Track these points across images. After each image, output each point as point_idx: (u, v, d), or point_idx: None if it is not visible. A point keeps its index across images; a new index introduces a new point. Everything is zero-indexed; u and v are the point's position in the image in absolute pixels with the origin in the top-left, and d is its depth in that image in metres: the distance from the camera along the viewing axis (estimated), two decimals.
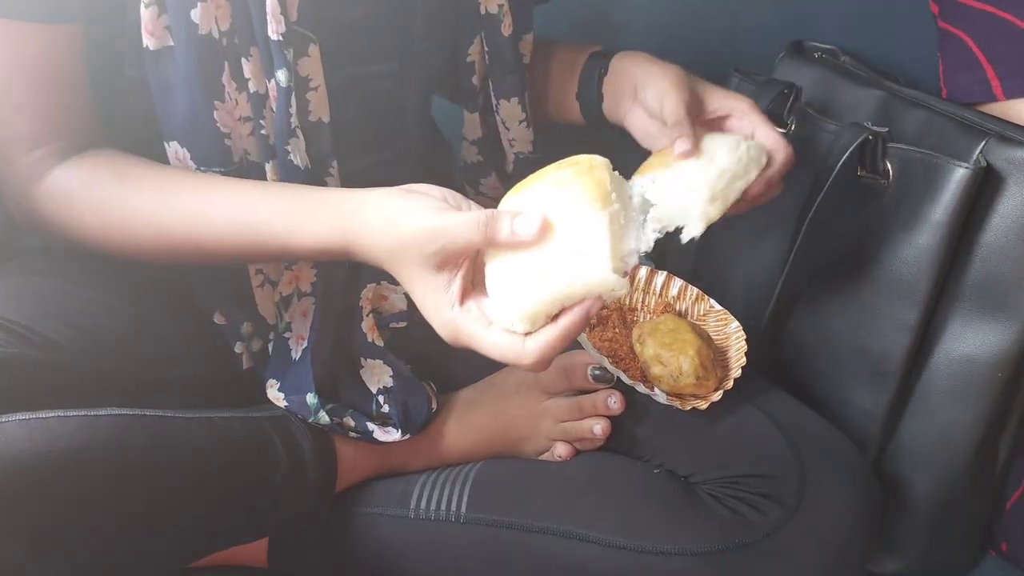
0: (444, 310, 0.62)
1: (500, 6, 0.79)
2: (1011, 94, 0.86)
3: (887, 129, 0.77)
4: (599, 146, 0.66)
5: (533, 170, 0.64)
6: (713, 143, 0.73)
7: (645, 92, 0.77)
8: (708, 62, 0.91)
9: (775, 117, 0.87)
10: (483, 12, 0.79)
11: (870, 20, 1.01)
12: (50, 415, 0.59)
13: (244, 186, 0.70)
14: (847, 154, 0.77)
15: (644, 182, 0.68)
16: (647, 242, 0.62)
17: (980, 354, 0.77)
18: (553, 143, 0.83)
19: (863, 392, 0.82)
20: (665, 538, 0.70)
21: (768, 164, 0.73)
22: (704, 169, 0.71)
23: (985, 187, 0.74)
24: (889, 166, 0.77)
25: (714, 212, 0.70)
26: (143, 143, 0.72)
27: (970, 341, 0.77)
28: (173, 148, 0.71)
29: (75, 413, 0.60)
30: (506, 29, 0.80)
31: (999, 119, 0.78)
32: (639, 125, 0.79)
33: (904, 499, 0.83)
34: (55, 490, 0.57)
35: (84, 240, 0.71)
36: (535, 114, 0.85)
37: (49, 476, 0.57)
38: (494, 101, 0.83)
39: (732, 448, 0.74)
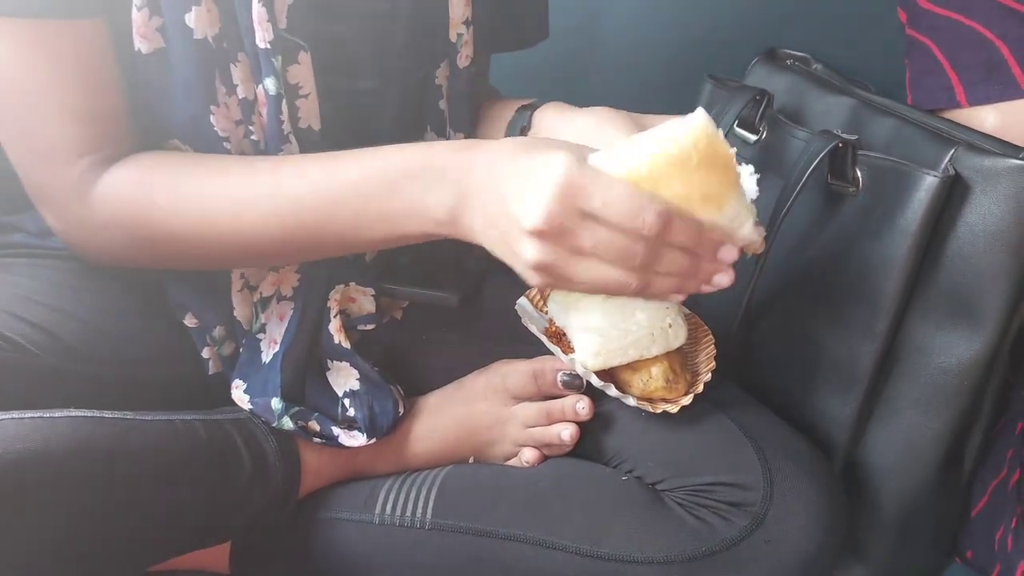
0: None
1: (460, 35, 0.79)
2: (974, 101, 0.87)
3: (856, 137, 0.77)
4: None
5: None
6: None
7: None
8: (682, 69, 0.91)
9: (747, 123, 0.87)
10: (451, 38, 0.79)
11: (841, 28, 1.02)
12: (5, 417, 0.57)
13: (328, 159, 0.68)
14: (816, 161, 0.77)
15: (553, 308, 0.72)
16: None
17: (947, 362, 0.77)
18: None
19: (831, 398, 0.82)
20: (632, 546, 0.70)
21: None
22: (609, 317, 0.71)
23: (953, 196, 0.74)
24: (859, 173, 0.77)
25: (593, 366, 0.71)
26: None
27: (937, 349, 0.77)
28: (174, 145, 0.70)
29: (32, 415, 0.58)
30: (463, 60, 0.80)
31: (967, 128, 0.78)
32: None
33: (871, 506, 0.83)
34: (11, 492, 0.56)
35: (144, 245, 0.69)
36: None
37: (5, 478, 0.56)
38: (448, 131, 0.83)
39: (700, 456, 0.74)
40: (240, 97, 0.69)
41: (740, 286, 0.85)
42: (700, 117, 0.60)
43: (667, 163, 0.59)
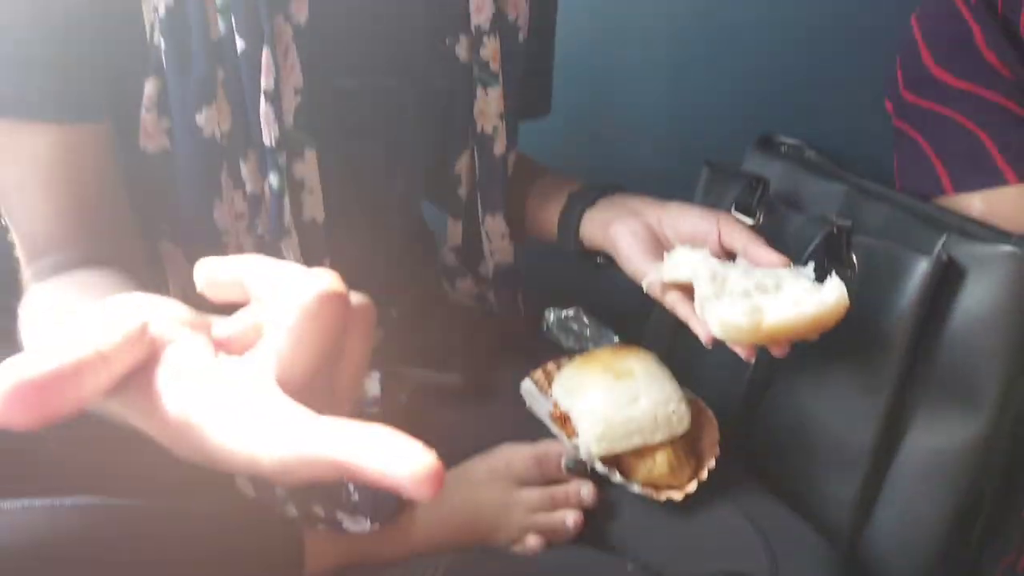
0: None
1: (495, 127, 0.81)
2: (960, 188, 0.89)
3: (850, 222, 0.79)
4: None
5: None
6: (648, 378, 0.75)
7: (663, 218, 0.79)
8: (679, 152, 0.94)
9: (744, 207, 0.89)
10: (479, 131, 0.81)
11: (834, 116, 1.05)
12: (15, 505, 0.58)
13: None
14: (813, 246, 0.79)
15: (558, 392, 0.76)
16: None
17: (948, 445, 0.77)
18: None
19: (835, 480, 0.82)
20: None
21: None
22: (613, 402, 0.73)
23: (947, 280, 0.75)
24: (854, 258, 0.79)
25: (597, 452, 0.73)
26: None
27: (938, 431, 0.78)
28: (163, 247, 0.71)
29: (40, 503, 0.59)
30: (499, 148, 0.82)
31: (958, 214, 0.80)
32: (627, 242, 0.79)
33: None
34: None
35: None
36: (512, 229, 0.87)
37: (15, 570, 0.56)
38: (480, 214, 0.85)
39: (705, 544, 0.74)
40: (248, 191, 0.70)
41: (741, 370, 0.87)
42: (840, 296, 0.65)
43: (794, 327, 0.65)
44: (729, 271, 0.69)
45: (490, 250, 0.87)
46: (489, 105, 0.80)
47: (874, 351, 0.78)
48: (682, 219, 0.78)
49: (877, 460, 0.80)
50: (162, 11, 0.65)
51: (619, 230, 0.80)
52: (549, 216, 0.88)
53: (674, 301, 0.74)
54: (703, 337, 0.70)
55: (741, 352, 0.69)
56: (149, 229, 0.71)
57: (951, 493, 0.78)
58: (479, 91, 0.80)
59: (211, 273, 0.42)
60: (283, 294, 0.39)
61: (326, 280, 0.39)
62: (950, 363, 0.77)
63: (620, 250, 0.79)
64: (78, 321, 0.38)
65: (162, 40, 0.65)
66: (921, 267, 0.75)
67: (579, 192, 0.86)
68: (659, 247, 0.78)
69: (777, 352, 0.69)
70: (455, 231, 0.86)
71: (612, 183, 0.87)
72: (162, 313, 0.40)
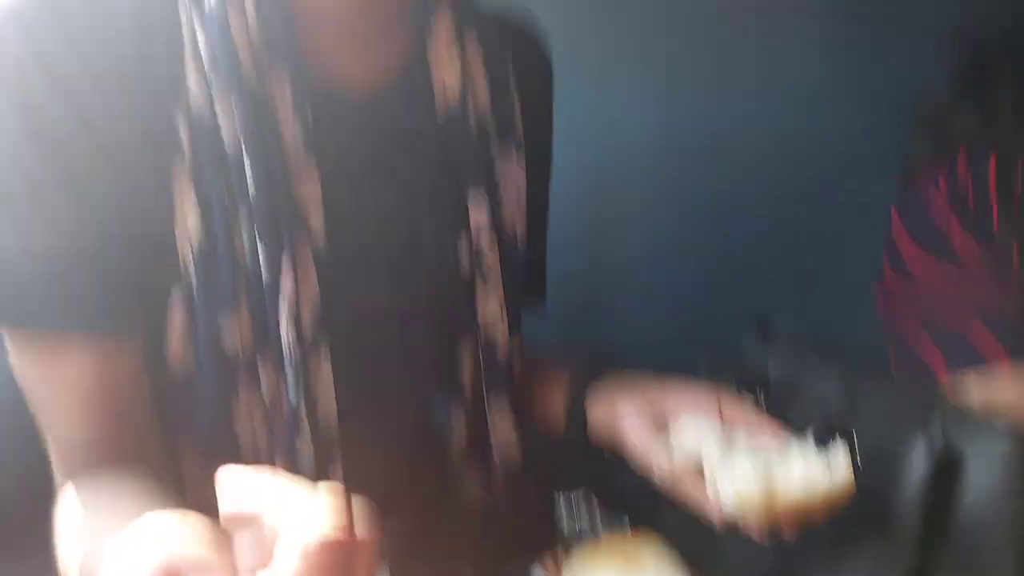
0: None
1: (496, 317, 0.83)
2: (953, 369, 0.91)
3: (852, 430, 0.80)
4: None
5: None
6: (658, 569, 0.77)
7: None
8: (676, 332, 0.96)
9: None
10: (480, 323, 0.83)
11: (829, 305, 1.08)
12: None
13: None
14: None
15: None
16: None
17: None
18: None
19: None
20: None
21: None
22: None
23: (949, 465, 0.76)
24: (857, 455, 0.80)
25: None
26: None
27: None
28: (183, 441, 0.74)
29: None
30: (502, 337, 0.83)
31: (951, 399, 0.82)
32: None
33: None
34: None
35: None
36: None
37: None
38: (486, 405, 0.86)
39: None
40: (267, 400, 0.73)
41: (756, 563, 0.86)
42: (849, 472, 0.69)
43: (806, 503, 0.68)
44: (737, 439, 0.74)
45: (496, 441, 0.88)
46: (489, 297, 0.82)
47: (885, 542, 0.78)
48: (684, 399, 0.82)
49: None
50: (195, 245, 0.69)
51: (625, 418, 0.83)
52: (554, 410, 0.90)
53: (686, 491, 0.76)
54: (715, 519, 0.73)
55: (753, 535, 0.70)
56: (172, 439, 0.74)
57: None
58: (479, 285, 0.82)
59: (231, 508, 0.45)
60: (290, 528, 0.42)
61: (329, 526, 0.42)
62: (965, 546, 0.77)
63: (628, 444, 0.82)
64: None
65: (193, 267, 0.69)
66: (920, 453, 0.76)
67: (577, 382, 0.89)
68: (663, 428, 0.81)
69: (786, 534, 0.70)
70: (459, 423, 0.88)
71: (604, 358, 0.91)
72: (186, 542, 0.43)
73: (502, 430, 0.87)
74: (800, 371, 0.93)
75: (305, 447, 0.74)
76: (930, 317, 0.94)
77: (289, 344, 0.71)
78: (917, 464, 0.77)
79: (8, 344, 0.69)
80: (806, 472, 0.69)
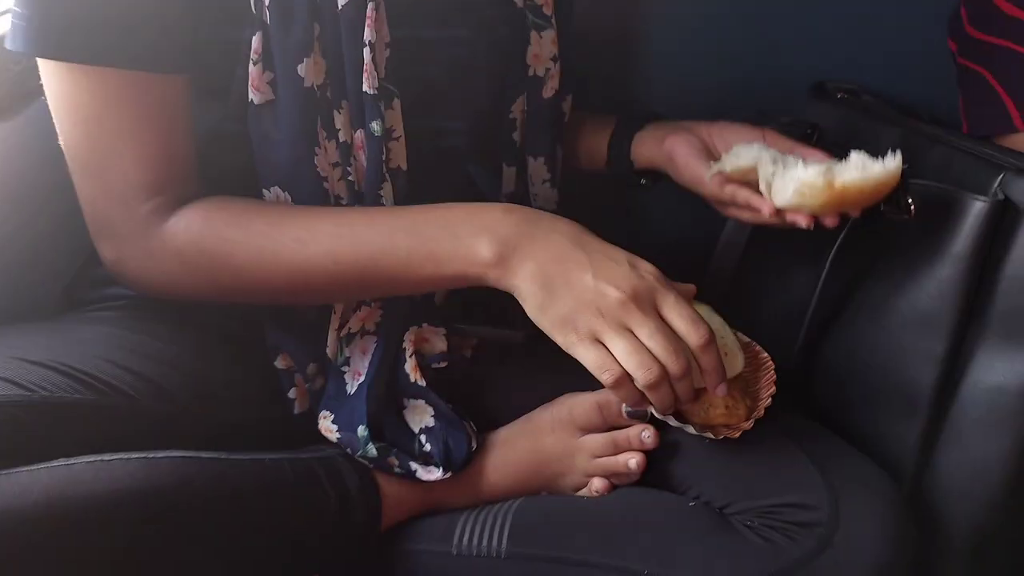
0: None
1: (547, 69, 0.85)
2: None
3: (907, 165, 0.79)
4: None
5: None
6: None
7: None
8: (732, 106, 0.94)
9: None
10: (530, 74, 0.85)
11: (891, 59, 1.03)
12: (113, 457, 0.62)
13: (382, 212, 0.76)
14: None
15: None
16: None
17: (1009, 383, 0.77)
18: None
19: (895, 423, 0.83)
20: (702, 569, 0.72)
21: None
22: None
23: (1004, 220, 0.75)
24: (911, 202, 0.79)
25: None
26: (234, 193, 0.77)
27: (998, 371, 0.78)
28: (274, 193, 0.76)
29: (136, 455, 0.63)
30: (548, 91, 0.86)
31: (1016, 152, 0.80)
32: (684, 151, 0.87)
33: (942, 530, 0.83)
34: (119, 528, 0.61)
35: (205, 277, 0.74)
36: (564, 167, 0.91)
37: (114, 514, 0.61)
38: (528, 160, 0.88)
39: (764, 478, 0.76)
40: (340, 141, 0.75)
41: (799, 313, 0.88)
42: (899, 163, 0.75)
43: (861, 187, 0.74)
44: (787, 158, 0.79)
45: (533, 195, 0.90)
46: (543, 49, 0.85)
47: (932, 294, 0.79)
48: (730, 131, 0.86)
49: (938, 402, 0.81)
50: None
51: (675, 140, 0.87)
52: (598, 142, 0.94)
53: (734, 189, 0.81)
54: (765, 210, 0.78)
55: (801, 221, 0.77)
56: (260, 176, 0.76)
57: (1014, 433, 0.79)
58: (533, 36, 0.84)
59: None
60: None
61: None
62: (1009, 302, 0.77)
63: (677, 158, 0.86)
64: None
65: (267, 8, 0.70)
66: (977, 208, 0.75)
67: (628, 117, 0.93)
68: (712, 158, 0.85)
69: (831, 221, 0.77)
70: (509, 178, 0.89)
71: (657, 112, 0.94)
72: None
73: (538, 184, 0.90)
74: (858, 130, 0.91)
75: (386, 195, 0.76)
76: (1009, 68, 0.89)
77: (370, 81, 0.72)
78: (973, 219, 0.76)
79: (69, 85, 0.70)
80: (862, 164, 0.75)
